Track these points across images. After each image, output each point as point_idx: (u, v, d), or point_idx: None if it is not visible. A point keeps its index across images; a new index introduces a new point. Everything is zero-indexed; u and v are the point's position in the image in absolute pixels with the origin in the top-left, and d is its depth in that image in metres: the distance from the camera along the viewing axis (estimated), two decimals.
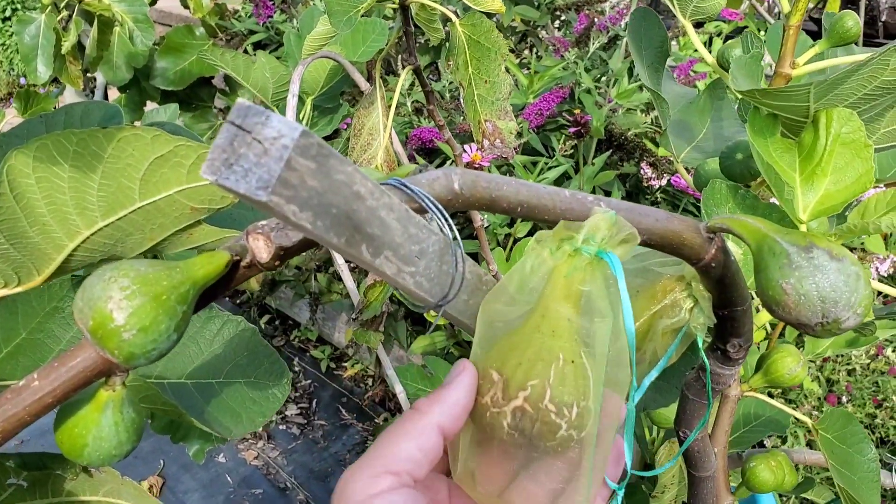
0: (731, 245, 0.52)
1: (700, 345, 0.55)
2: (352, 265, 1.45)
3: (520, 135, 1.79)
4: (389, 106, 0.87)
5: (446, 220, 0.38)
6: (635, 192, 1.91)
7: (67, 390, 0.36)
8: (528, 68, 1.88)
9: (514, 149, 0.86)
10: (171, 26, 1.70)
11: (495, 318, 0.43)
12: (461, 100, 0.78)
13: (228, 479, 2.19)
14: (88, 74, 1.69)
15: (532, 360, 0.40)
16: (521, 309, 0.43)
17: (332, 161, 0.29)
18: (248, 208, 0.81)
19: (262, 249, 0.36)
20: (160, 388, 0.54)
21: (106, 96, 1.82)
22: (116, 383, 0.38)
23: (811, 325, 0.36)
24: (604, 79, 1.94)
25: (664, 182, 1.80)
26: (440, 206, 0.38)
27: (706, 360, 0.54)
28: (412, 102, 1.97)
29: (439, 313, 0.42)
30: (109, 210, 0.36)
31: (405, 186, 0.38)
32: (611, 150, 1.86)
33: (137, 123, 0.39)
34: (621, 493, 0.47)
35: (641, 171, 1.81)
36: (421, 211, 0.39)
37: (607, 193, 1.87)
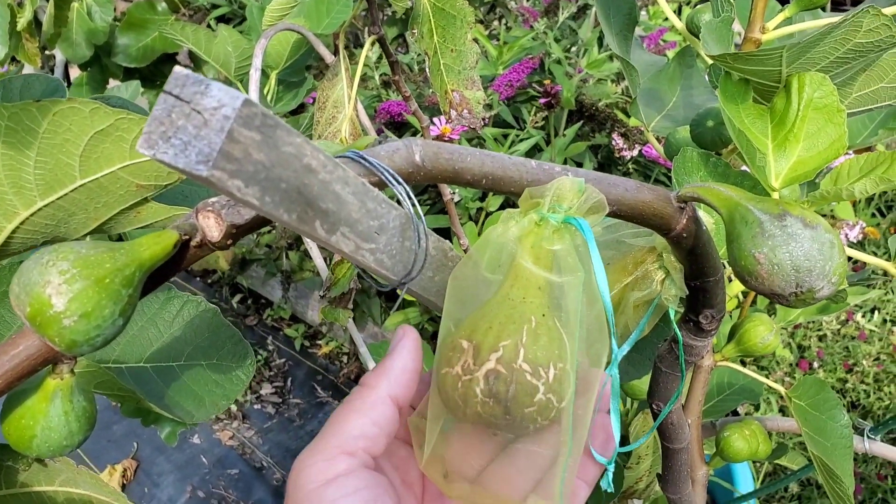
0: (703, 214, 0.51)
1: (672, 316, 0.54)
2: None
3: (490, 107, 1.76)
4: (354, 78, 0.85)
5: (407, 193, 0.37)
6: (607, 163, 1.90)
7: (10, 380, 0.34)
8: (498, 39, 1.85)
9: (483, 120, 0.85)
10: (131, 1, 1.66)
11: (464, 292, 0.42)
12: (428, 71, 0.76)
13: (203, 459, 2.18)
14: (47, 52, 1.64)
15: (504, 322, 0.39)
16: (491, 281, 0.42)
17: (278, 132, 0.27)
18: (199, 185, 0.79)
19: (212, 228, 0.34)
20: (118, 373, 0.52)
21: (67, 74, 1.77)
22: (64, 371, 0.36)
23: (785, 295, 0.35)
24: (574, 49, 1.92)
25: (636, 152, 1.79)
26: (400, 180, 0.37)
27: (678, 331, 0.54)
28: (380, 76, 1.94)
29: (403, 290, 0.40)
30: (49, 189, 0.34)
31: (363, 159, 0.36)
32: (582, 121, 1.84)
33: None
34: (612, 469, 0.46)
35: (613, 142, 1.80)
36: (381, 185, 0.37)
37: (579, 165, 1.86)
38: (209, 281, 2.80)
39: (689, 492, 0.74)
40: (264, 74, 1.25)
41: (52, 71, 1.74)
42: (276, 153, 0.28)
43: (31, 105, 0.31)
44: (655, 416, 0.62)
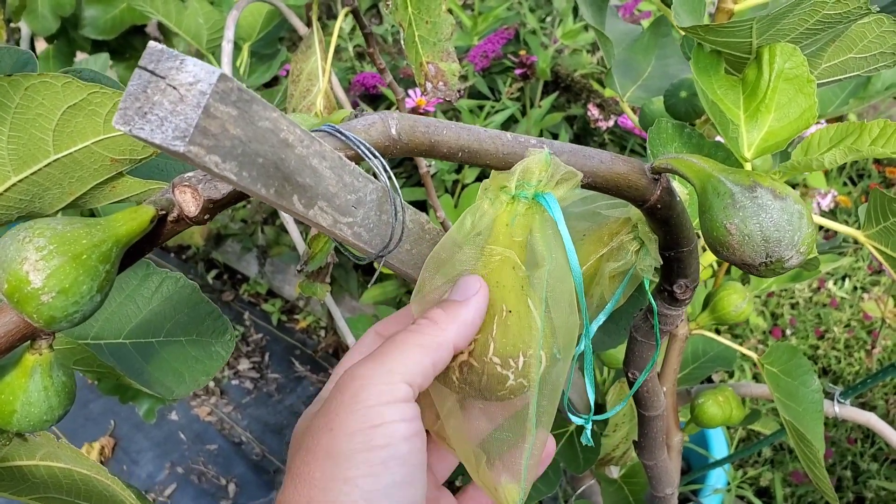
0: (677, 185, 0.51)
1: (647, 286, 0.55)
2: None
3: (465, 78, 1.76)
4: (328, 50, 0.84)
5: (384, 167, 0.37)
6: (583, 133, 1.91)
7: None
8: (472, 9, 1.84)
9: (459, 92, 0.84)
10: None
11: (441, 271, 0.42)
12: (403, 43, 0.76)
13: (182, 436, 2.17)
14: (12, 25, 1.61)
15: None
16: (466, 260, 0.42)
17: (255, 107, 0.27)
18: (175, 158, 0.79)
19: (189, 203, 0.34)
20: (97, 349, 0.52)
21: (32, 47, 1.74)
22: (43, 346, 0.36)
23: (755, 265, 0.36)
24: (549, 19, 1.92)
25: (611, 123, 1.79)
26: (377, 153, 0.37)
27: (653, 301, 0.54)
28: (354, 47, 1.92)
29: (381, 263, 0.40)
30: (22, 164, 0.33)
31: (339, 133, 0.37)
32: (557, 92, 1.84)
33: None
34: (589, 426, 0.47)
35: (588, 113, 1.80)
36: (357, 159, 0.37)
37: (555, 136, 1.86)
38: (184, 257, 2.78)
39: (665, 458, 0.75)
40: (237, 47, 1.24)
41: (17, 44, 1.71)
42: (252, 128, 0.28)
43: (3, 80, 0.31)
44: (631, 385, 0.63)
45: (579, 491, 1.22)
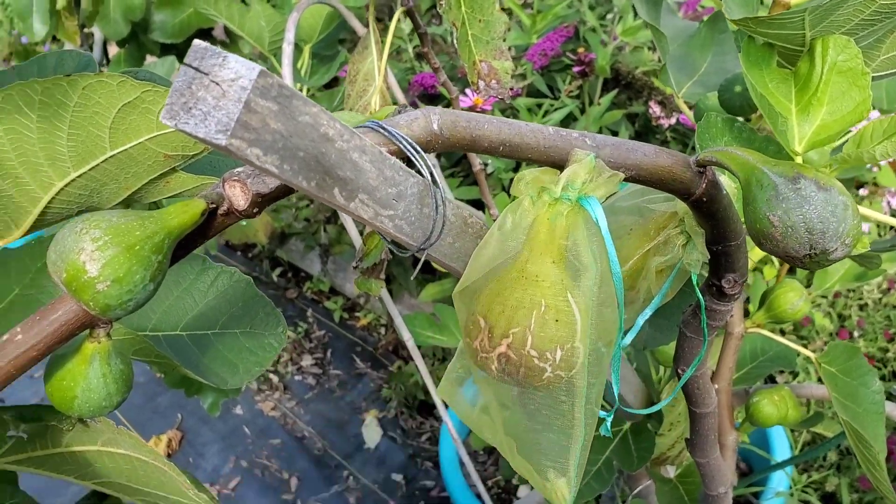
0: (725, 180, 0.51)
1: (695, 281, 0.54)
2: None
3: (523, 76, 1.75)
4: (384, 50, 0.86)
5: (424, 161, 0.38)
6: (644, 131, 1.89)
7: (51, 343, 0.36)
8: (531, 8, 1.84)
9: (514, 89, 0.85)
10: None
11: (484, 263, 0.43)
12: (455, 42, 0.77)
13: (246, 430, 2.22)
14: (86, 30, 1.67)
15: (514, 307, 0.41)
16: (509, 254, 0.43)
17: (295, 102, 0.29)
18: (225, 155, 0.81)
19: (238, 197, 0.35)
20: (155, 340, 0.54)
21: (105, 52, 1.80)
22: (101, 335, 0.37)
23: (799, 256, 0.36)
24: (609, 16, 1.90)
25: (673, 121, 1.77)
26: (418, 148, 0.38)
27: (701, 296, 0.54)
28: (413, 48, 1.94)
29: (423, 256, 0.41)
30: (81, 160, 0.35)
31: (382, 128, 0.37)
32: (617, 90, 1.83)
33: None
34: (609, 419, 0.47)
35: (650, 110, 1.78)
36: (400, 154, 0.38)
37: (615, 133, 1.85)
38: (249, 255, 2.84)
39: (717, 456, 0.74)
40: (297, 48, 1.27)
41: (91, 49, 1.77)
42: (293, 123, 0.29)
43: (62, 80, 0.32)
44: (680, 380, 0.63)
45: (636, 491, 1.21)
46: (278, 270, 2.75)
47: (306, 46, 1.28)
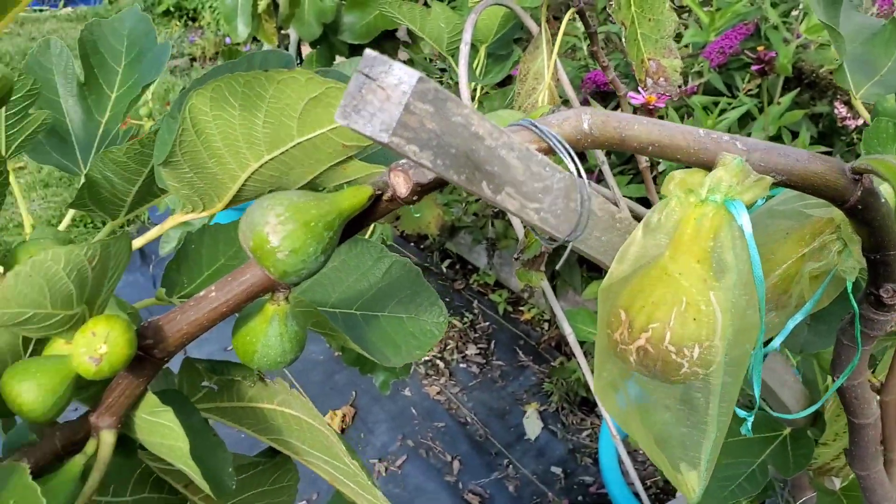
0: (888, 188, 0.50)
1: (850, 289, 0.54)
2: None
3: (700, 74, 1.72)
4: (553, 48, 0.88)
5: (572, 158, 0.41)
6: (828, 132, 1.80)
7: (239, 301, 0.41)
8: (710, 5, 1.80)
9: (683, 87, 0.85)
10: None
11: (629, 259, 0.45)
12: (624, 40, 0.78)
13: (413, 411, 2.32)
14: (282, 31, 1.80)
15: (656, 303, 0.42)
16: (653, 252, 0.45)
17: (448, 104, 0.32)
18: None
19: (401, 185, 0.40)
20: (332, 316, 0.60)
21: (299, 52, 1.94)
22: (280, 299, 0.43)
23: None
24: (793, 13, 1.82)
25: (860, 122, 1.68)
26: (567, 145, 0.41)
27: (856, 304, 0.53)
28: (588, 47, 1.95)
29: (569, 248, 0.44)
30: (273, 145, 0.41)
31: (534, 127, 0.41)
32: (799, 89, 1.75)
33: None
34: (750, 419, 0.48)
35: (835, 111, 1.70)
36: (550, 151, 0.41)
37: (795, 134, 1.77)
38: (421, 246, 2.95)
39: (880, 470, 0.72)
40: (473, 48, 1.32)
41: (286, 48, 1.91)
42: (446, 123, 0.33)
43: (260, 74, 0.38)
44: (839, 389, 0.62)
45: (800, 502, 1.17)
46: (447, 262, 2.84)
47: (482, 46, 1.33)
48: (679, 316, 0.42)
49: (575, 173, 0.41)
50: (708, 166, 0.42)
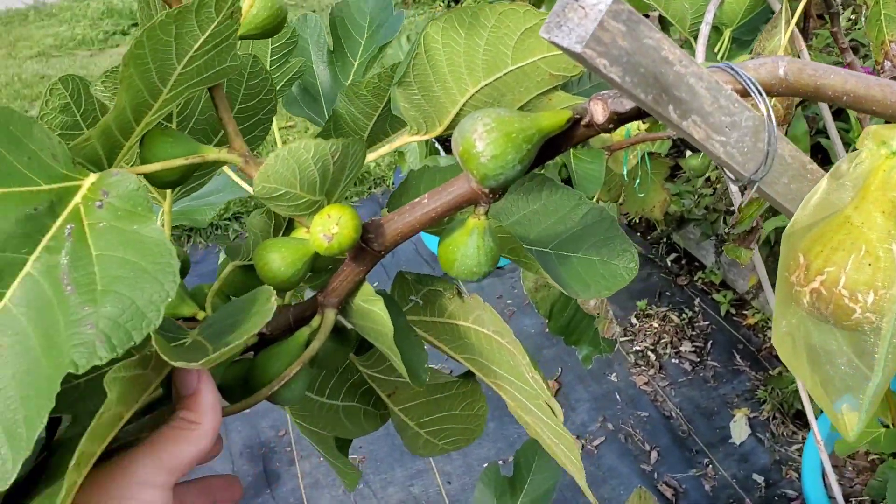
0: None
1: None
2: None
3: None
4: (789, 26, 0.88)
5: (764, 100, 0.43)
6: None
7: (446, 208, 0.48)
8: None
9: None
10: None
11: (813, 206, 0.46)
12: (864, 21, 0.76)
13: (617, 396, 2.33)
14: None
15: (834, 248, 0.44)
16: (838, 202, 0.46)
17: (641, 27, 0.36)
18: (594, 87, 0.90)
19: (599, 113, 0.44)
20: (530, 251, 0.65)
21: None
22: (480, 213, 0.49)
23: None
24: None
25: None
26: (760, 88, 0.43)
27: None
28: (826, 27, 1.85)
29: (753, 188, 0.46)
30: (489, 71, 0.47)
31: (731, 69, 0.44)
32: None
33: None
34: None
35: None
36: (744, 94, 0.44)
37: None
38: (648, 237, 2.92)
39: None
40: (718, 31, 1.30)
41: None
42: (637, 43, 0.37)
43: (485, 5, 0.44)
44: None
45: None
46: (673, 256, 2.79)
47: (727, 30, 1.31)
48: (856, 262, 0.43)
49: (766, 115, 0.43)
50: None
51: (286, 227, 0.59)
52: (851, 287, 0.43)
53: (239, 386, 0.54)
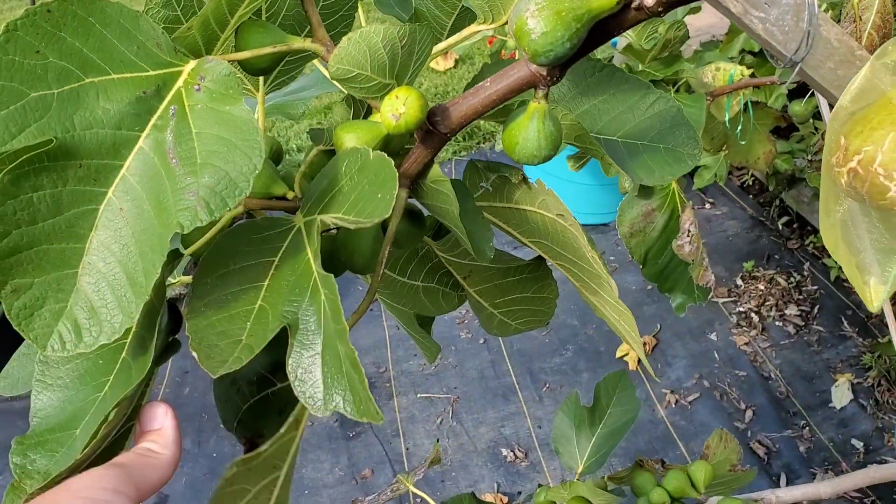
0: None
1: None
2: None
3: None
4: None
5: None
6: None
7: (506, 91, 0.52)
8: None
9: None
10: None
11: (856, 90, 0.48)
12: None
13: (715, 355, 2.31)
14: None
15: (873, 128, 0.45)
16: (882, 86, 0.47)
17: None
18: None
19: None
20: (597, 139, 0.68)
21: None
22: (540, 96, 0.53)
23: None
24: None
25: None
26: None
27: None
28: None
29: (795, 70, 0.48)
30: None
31: None
32: None
33: None
34: None
35: None
36: None
37: None
38: (760, 200, 2.85)
39: None
40: None
41: None
42: None
43: None
44: None
45: None
46: (784, 219, 2.72)
47: None
48: (893, 141, 0.45)
49: None
50: None
51: (364, 115, 0.64)
52: (887, 165, 0.45)
53: (326, 259, 0.60)
